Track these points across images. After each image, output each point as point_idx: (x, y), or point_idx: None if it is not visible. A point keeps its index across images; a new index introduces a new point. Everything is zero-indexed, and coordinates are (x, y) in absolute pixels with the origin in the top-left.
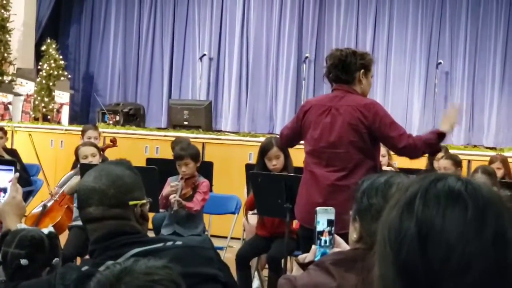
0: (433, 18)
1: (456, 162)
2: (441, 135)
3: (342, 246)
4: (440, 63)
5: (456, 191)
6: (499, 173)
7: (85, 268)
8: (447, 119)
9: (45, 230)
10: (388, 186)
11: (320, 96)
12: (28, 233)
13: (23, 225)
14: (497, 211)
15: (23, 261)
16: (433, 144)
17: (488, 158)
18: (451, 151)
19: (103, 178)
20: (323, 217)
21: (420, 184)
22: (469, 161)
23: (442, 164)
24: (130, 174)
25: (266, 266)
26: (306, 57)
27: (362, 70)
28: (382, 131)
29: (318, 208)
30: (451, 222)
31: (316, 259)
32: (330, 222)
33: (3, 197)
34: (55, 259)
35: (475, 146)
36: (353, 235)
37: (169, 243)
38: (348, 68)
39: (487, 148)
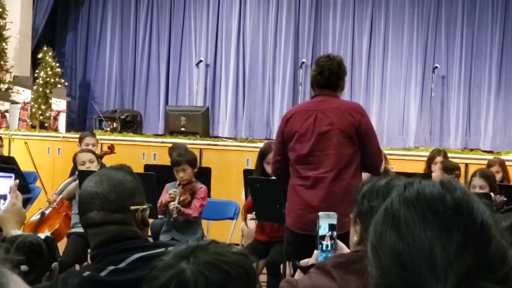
0: (429, 22)
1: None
2: None
3: (344, 251)
4: (437, 67)
5: (427, 194)
6: (498, 176)
7: (86, 273)
8: None
9: (42, 235)
10: (389, 189)
11: (300, 103)
12: (26, 239)
13: (18, 232)
14: (471, 206)
15: (23, 267)
16: None
17: (485, 162)
18: (449, 155)
19: (104, 183)
20: (325, 222)
21: (396, 191)
22: (466, 164)
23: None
24: (131, 179)
25: (264, 271)
26: (303, 63)
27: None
28: (364, 140)
29: (320, 213)
30: (425, 226)
31: None
32: (332, 227)
33: (3, 204)
34: (54, 263)
35: (472, 149)
36: (353, 237)
37: (171, 248)
38: (342, 75)
39: (484, 151)
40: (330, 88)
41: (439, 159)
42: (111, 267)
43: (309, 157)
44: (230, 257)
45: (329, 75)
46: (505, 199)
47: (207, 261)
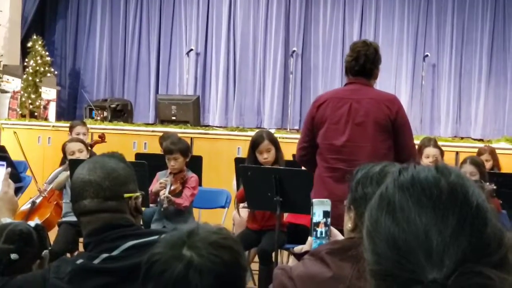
0: (420, 10)
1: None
2: None
3: (338, 237)
4: (427, 55)
5: (422, 178)
6: (488, 164)
7: (79, 261)
8: None
9: (32, 223)
10: (383, 175)
11: (333, 90)
12: (16, 227)
13: (8, 220)
14: (466, 190)
15: (13, 256)
16: None
17: (476, 150)
18: (440, 143)
19: (97, 170)
20: (319, 209)
21: (391, 177)
22: (457, 152)
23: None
24: (123, 166)
25: (256, 259)
26: (293, 51)
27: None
28: (400, 133)
29: (314, 200)
30: (421, 211)
31: None
32: (326, 214)
33: None
34: (44, 251)
35: (462, 138)
36: (348, 224)
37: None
38: (378, 62)
39: (474, 140)
40: (364, 76)
41: (432, 142)
42: (105, 255)
43: (341, 148)
44: (223, 232)
45: (364, 61)
46: (494, 187)
47: (210, 242)
